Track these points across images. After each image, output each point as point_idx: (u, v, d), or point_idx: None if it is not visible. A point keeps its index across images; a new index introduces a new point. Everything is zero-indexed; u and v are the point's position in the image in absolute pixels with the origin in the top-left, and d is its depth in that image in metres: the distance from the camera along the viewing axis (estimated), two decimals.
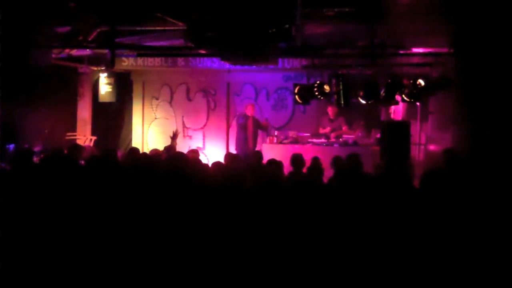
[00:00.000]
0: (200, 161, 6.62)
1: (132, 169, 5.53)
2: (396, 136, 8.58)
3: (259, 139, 10.91)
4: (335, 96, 8.89)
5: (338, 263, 3.81)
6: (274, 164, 6.46)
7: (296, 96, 9.20)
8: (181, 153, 6.55)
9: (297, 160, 7.00)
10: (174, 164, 5.68)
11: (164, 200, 4.42)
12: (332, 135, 10.22)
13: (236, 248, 3.93)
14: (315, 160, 7.25)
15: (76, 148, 7.67)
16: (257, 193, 4.50)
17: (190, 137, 12.08)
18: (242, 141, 10.49)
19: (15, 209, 4.54)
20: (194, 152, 8.37)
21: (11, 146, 8.21)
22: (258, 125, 10.67)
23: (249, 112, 10.57)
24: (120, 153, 8.22)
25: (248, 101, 11.55)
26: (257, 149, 10.03)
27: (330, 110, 10.42)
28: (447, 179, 4.54)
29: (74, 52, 10.26)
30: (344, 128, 10.36)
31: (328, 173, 6.55)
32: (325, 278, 3.76)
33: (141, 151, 8.03)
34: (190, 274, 3.90)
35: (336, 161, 6.91)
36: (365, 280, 3.74)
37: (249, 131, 10.49)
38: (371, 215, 4.09)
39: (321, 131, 10.49)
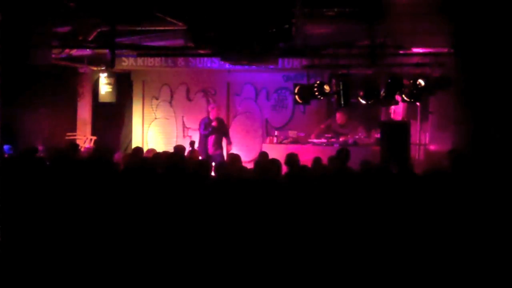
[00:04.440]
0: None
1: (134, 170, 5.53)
2: (396, 136, 8.58)
3: (258, 139, 10.96)
4: (335, 96, 8.88)
5: (338, 263, 3.81)
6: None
7: (296, 96, 9.19)
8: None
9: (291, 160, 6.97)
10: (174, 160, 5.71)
11: (164, 199, 4.42)
12: (342, 137, 10.02)
13: (240, 245, 3.94)
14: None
15: (73, 147, 7.70)
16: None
17: (190, 137, 12.06)
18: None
19: (14, 208, 4.55)
20: (195, 153, 8.42)
21: (6, 147, 8.18)
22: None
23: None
24: (118, 155, 8.22)
25: (249, 101, 11.57)
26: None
27: (339, 116, 10.27)
28: (451, 179, 4.55)
29: (74, 52, 10.25)
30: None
31: None
32: (328, 276, 3.77)
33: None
34: (190, 274, 3.90)
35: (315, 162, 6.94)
36: (365, 278, 3.74)
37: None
38: (371, 214, 4.09)
39: (319, 131, 10.33)
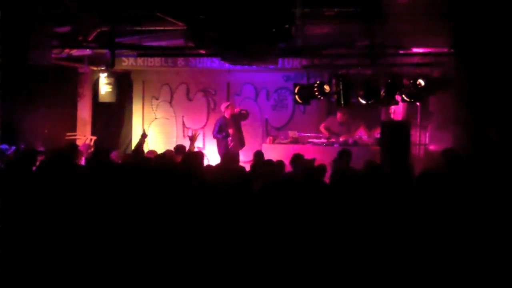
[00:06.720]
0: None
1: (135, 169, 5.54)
2: (396, 136, 8.58)
3: (258, 139, 10.94)
4: (335, 96, 8.88)
5: (337, 263, 3.81)
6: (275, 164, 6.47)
7: (296, 96, 9.19)
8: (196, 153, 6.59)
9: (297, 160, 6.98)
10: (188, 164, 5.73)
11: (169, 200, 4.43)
12: (342, 137, 10.04)
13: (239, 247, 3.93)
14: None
15: (73, 147, 7.70)
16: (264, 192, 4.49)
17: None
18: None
19: (14, 209, 4.55)
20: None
21: (7, 147, 8.17)
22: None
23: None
24: (116, 154, 8.23)
25: (248, 101, 11.58)
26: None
27: (339, 115, 10.27)
28: (446, 179, 4.55)
29: (74, 52, 10.24)
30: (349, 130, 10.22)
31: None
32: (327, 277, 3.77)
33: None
34: (190, 274, 3.90)
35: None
36: (363, 279, 3.74)
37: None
38: (371, 214, 4.09)
39: (322, 129, 10.37)
